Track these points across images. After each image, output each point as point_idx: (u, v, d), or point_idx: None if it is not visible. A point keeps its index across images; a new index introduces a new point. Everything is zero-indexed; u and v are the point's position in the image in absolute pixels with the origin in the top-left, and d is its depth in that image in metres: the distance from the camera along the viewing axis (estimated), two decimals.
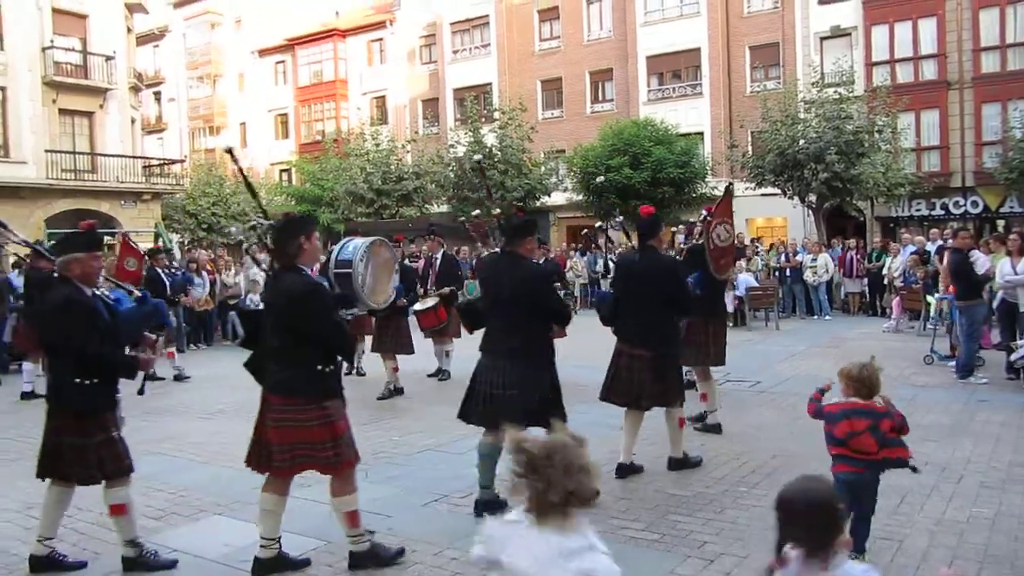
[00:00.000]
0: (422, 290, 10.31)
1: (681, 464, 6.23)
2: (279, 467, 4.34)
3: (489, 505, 5.08)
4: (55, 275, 4.64)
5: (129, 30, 30.17)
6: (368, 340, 10.60)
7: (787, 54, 28.06)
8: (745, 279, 16.91)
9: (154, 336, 5.07)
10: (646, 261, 6.12)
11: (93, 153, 27.04)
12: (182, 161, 34.80)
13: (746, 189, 25.00)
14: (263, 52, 42.37)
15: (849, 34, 26.61)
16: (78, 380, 4.37)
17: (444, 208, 29.90)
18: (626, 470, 6.05)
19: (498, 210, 6.43)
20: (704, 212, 7.85)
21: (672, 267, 6.30)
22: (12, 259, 16.93)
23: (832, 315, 18.25)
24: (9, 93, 24.48)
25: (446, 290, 10.43)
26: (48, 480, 4.53)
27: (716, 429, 7.38)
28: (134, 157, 28.67)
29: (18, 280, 13.18)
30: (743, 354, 11.86)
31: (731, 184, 8.42)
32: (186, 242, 30.18)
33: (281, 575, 4.42)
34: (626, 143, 25.63)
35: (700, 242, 7.59)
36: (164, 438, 7.82)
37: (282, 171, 41.37)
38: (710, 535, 4.83)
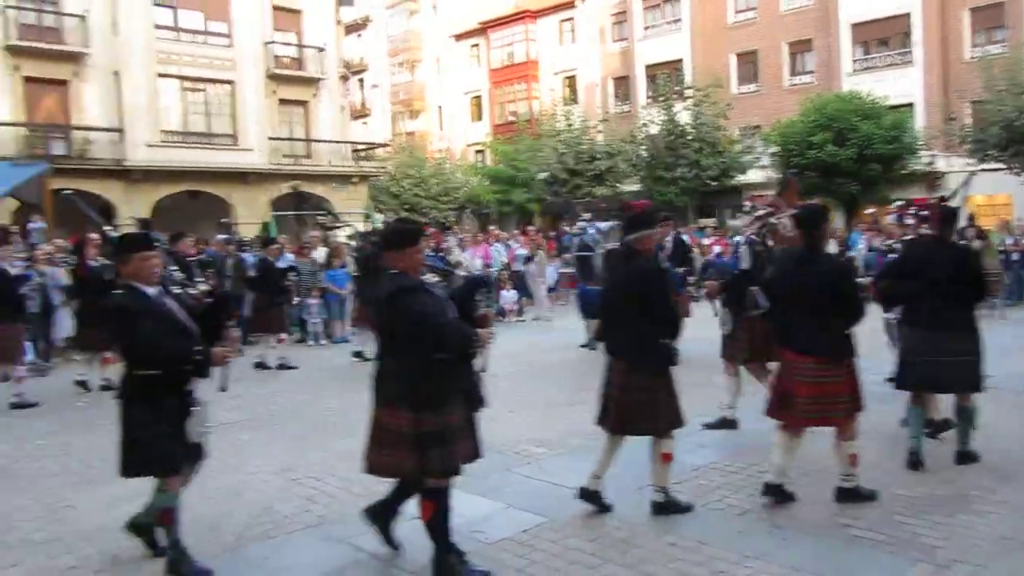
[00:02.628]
0: None
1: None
2: (806, 417, 5.17)
3: (915, 455, 5.91)
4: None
5: (338, 22, 32.08)
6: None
7: (1012, 14, 25.60)
8: None
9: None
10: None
11: (308, 140, 29.18)
12: (386, 145, 36.71)
13: (966, 164, 23.20)
14: (458, 37, 43.76)
15: None
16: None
17: (636, 187, 29.80)
18: (939, 426, 6.60)
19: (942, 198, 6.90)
20: (748, 203, 7.48)
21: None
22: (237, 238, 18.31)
23: None
24: (238, 87, 26.87)
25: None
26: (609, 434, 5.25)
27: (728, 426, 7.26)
28: (344, 142, 30.61)
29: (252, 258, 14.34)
30: None
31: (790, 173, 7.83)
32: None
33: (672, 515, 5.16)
34: (829, 118, 24.44)
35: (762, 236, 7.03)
36: None
37: (477, 152, 42.70)
38: (940, 539, 4.63)
